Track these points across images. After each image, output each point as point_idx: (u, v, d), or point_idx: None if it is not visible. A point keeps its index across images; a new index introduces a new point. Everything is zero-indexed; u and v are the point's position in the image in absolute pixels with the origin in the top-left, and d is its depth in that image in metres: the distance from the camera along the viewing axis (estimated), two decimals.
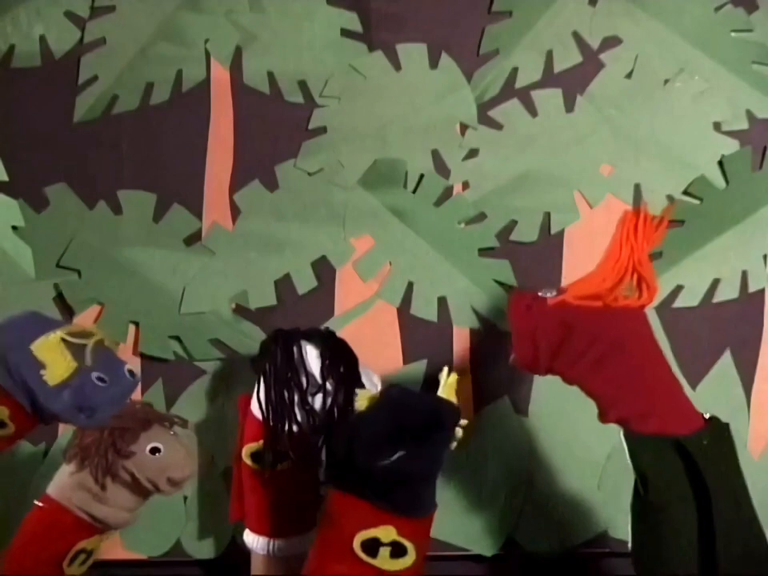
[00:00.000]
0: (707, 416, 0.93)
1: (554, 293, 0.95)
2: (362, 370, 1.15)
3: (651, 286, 0.93)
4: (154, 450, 1.08)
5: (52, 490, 1.10)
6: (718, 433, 0.90)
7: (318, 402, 1.12)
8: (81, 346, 0.93)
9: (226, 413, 1.30)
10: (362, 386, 1.11)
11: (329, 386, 1.12)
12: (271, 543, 1.16)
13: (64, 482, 1.10)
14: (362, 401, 0.98)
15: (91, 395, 0.91)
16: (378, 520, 0.92)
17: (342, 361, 1.13)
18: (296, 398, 1.11)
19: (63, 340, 0.92)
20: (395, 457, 0.91)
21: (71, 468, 1.10)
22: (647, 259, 0.93)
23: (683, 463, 0.87)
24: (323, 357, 1.13)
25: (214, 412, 1.31)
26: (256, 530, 1.17)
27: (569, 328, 0.91)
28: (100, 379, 0.92)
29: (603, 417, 0.93)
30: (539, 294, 0.96)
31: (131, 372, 0.96)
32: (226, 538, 1.31)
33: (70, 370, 0.91)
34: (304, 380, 1.13)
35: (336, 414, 1.10)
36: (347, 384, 1.11)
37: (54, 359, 0.91)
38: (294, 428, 1.11)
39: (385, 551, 0.92)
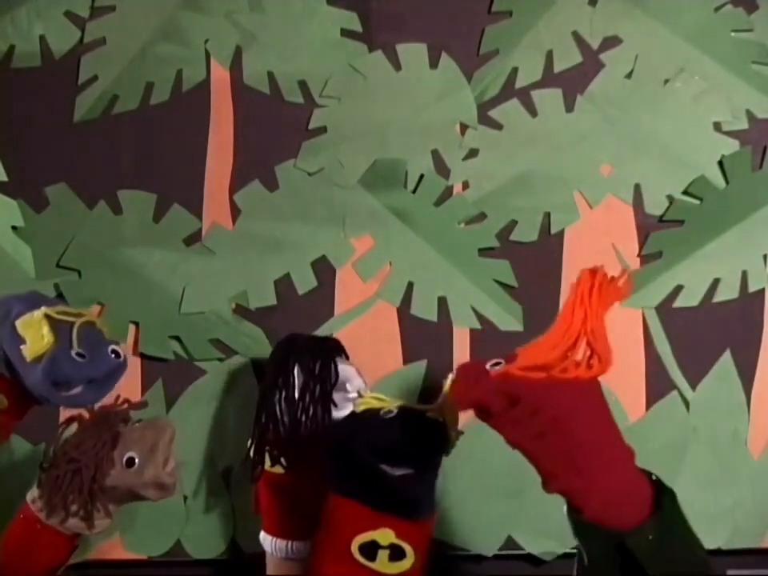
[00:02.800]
0: (654, 477, 0.84)
1: (501, 364, 0.86)
2: (348, 374, 1.13)
3: (603, 358, 0.83)
4: (130, 462, 0.96)
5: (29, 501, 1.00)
6: (666, 520, 0.81)
7: (291, 401, 1.10)
8: (66, 323, 0.92)
9: (226, 413, 1.30)
10: (329, 390, 1.09)
11: (298, 384, 1.10)
12: (289, 545, 1.14)
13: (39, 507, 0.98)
14: (365, 404, 0.97)
15: (66, 369, 0.89)
16: (377, 523, 0.91)
17: (316, 362, 1.11)
18: (276, 398, 1.10)
19: (47, 316, 0.91)
20: (398, 473, 0.91)
21: (41, 503, 0.97)
22: (602, 327, 0.84)
23: (628, 558, 0.80)
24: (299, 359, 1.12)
25: (214, 412, 1.31)
26: (273, 533, 1.16)
27: (512, 401, 0.84)
28: (79, 354, 0.90)
29: (545, 486, 0.87)
30: (486, 366, 0.87)
31: (115, 352, 0.94)
32: (226, 538, 1.31)
33: (47, 345, 0.90)
34: (289, 383, 1.11)
35: (308, 418, 1.08)
36: (317, 381, 1.09)
37: (33, 335, 0.90)
38: (272, 428, 1.10)
39: (383, 554, 0.91)
